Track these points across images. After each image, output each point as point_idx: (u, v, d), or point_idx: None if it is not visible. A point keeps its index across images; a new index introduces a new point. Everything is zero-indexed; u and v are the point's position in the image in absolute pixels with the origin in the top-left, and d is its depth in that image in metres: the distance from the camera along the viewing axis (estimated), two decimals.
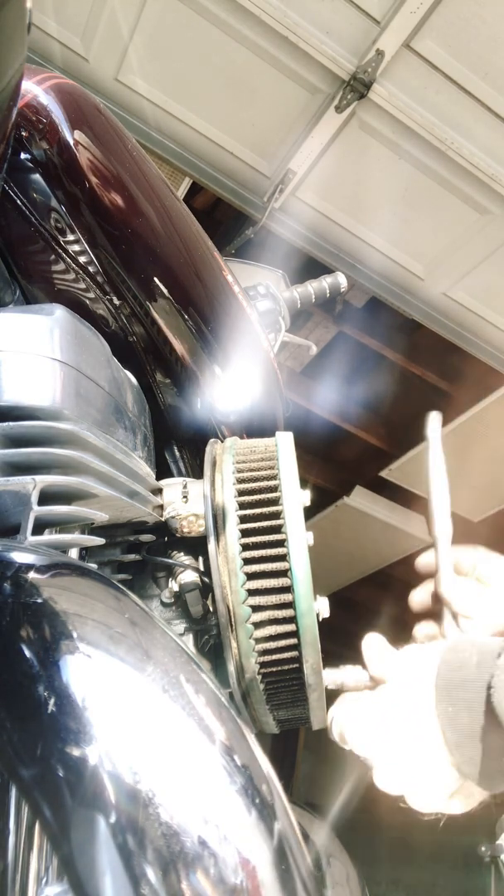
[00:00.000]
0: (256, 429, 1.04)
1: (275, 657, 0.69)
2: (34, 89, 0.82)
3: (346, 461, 4.46)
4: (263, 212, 2.79)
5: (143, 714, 0.41)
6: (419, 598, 0.73)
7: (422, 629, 0.73)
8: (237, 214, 3.02)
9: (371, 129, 2.54)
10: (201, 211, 3.45)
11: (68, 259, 0.83)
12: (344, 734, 0.63)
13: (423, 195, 2.69)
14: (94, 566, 0.57)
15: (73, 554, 0.66)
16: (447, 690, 0.58)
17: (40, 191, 0.80)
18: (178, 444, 0.99)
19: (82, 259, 0.83)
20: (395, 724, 0.60)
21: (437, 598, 0.72)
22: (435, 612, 0.71)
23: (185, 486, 0.80)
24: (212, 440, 0.83)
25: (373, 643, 0.69)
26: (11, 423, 0.57)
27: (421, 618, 0.74)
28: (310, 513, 0.72)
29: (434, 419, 0.74)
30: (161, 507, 0.78)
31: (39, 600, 0.45)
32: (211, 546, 0.70)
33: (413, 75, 2.37)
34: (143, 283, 0.85)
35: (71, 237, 0.82)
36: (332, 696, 0.72)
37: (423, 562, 0.73)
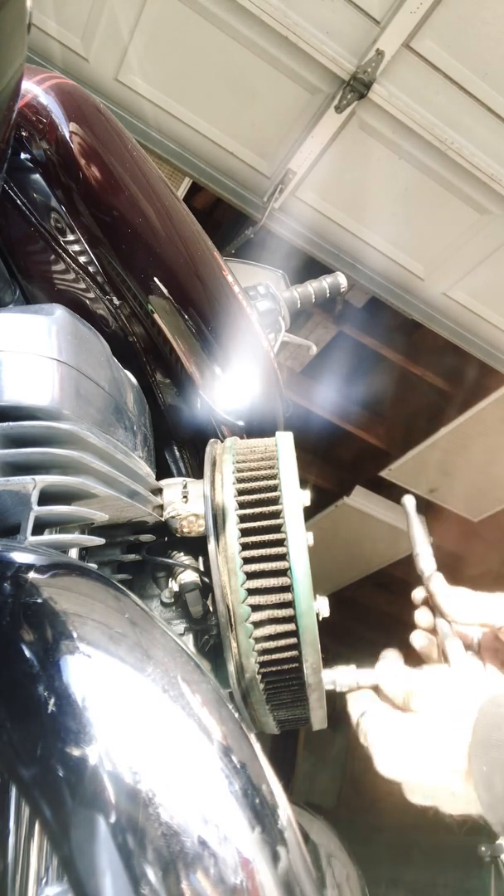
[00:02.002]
0: (257, 429, 1.04)
1: (275, 657, 0.69)
2: (34, 89, 0.82)
3: (346, 461, 4.46)
4: (263, 212, 2.79)
5: (143, 714, 0.41)
6: (422, 616, 0.75)
7: (417, 638, 0.74)
8: (237, 214, 3.02)
9: (371, 129, 2.54)
10: (201, 211, 3.45)
11: (68, 259, 0.83)
12: (372, 751, 0.63)
13: (423, 195, 2.69)
14: (94, 566, 0.57)
15: (73, 554, 0.66)
16: (484, 748, 0.57)
17: (40, 191, 0.80)
18: (178, 444, 0.99)
19: (82, 259, 0.83)
20: (429, 766, 0.60)
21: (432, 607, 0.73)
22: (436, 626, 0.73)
23: (185, 486, 0.80)
24: (212, 440, 0.83)
25: (390, 661, 0.70)
26: (11, 423, 0.57)
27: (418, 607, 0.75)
28: (310, 513, 0.72)
29: (409, 501, 0.83)
30: (161, 507, 0.78)
31: (39, 600, 0.45)
32: (211, 546, 0.70)
33: (413, 75, 2.37)
34: (143, 283, 0.85)
35: (71, 237, 0.82)
36: (331, 696, 0.72)
37: (417, 594, 0.76)
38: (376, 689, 0.71)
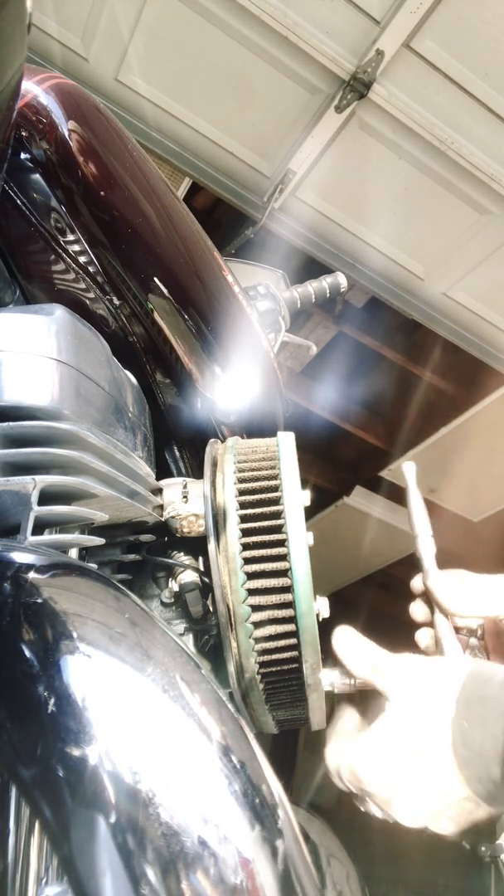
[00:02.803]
0: (256, 429, 1.04)
1: (274, 657, 0.69)
2: (34, 89, 0.82)
3: (346, 461, 4.46)
4: (263, 212, 2.79)
5: (143, 714, 0.41)
6: (418, 609, 0.74)
7: (422, 636, 0.73)
8: (237, 214, 3.02)
9: (371, 129, 2.54)
10: (201, 211, 3.45)
11: (68, 259, 0.83)
12: (360, 779, 0.62)
13: (423, 195, 2.69)
14: (94, 566, 0.57)
15: (73, 554, 0.66)
16: (466, 705, 0.57)
17: (40, 191, 0.80)
18: (178, 444, 0.99)
19: (82, 259, 0.83)
20: (409, 743, 0.59)
21: (429, 600, 0.72)
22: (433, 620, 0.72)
23: (185, 486, 0.80)
24: (212, 440, 0.83)
25: (349, 639, 0.68)
26: (11, 423, 0.57)
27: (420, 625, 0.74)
28: (310, 513, 0.72)
29: (409, 469, 0.79)
30: (161, 507, 0.78)
31: (39, 600, 0.45)
32: (211, 546, 0.70)
33: (413, 75, 2.37)
34: (143, 283, 0.85)
35: (71, 237, 0.82)
36: (330, 696, 0.72)
37: (416, 584, 0.75)
38: (367, 700, 0.70)
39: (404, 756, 0.59)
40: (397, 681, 0.63)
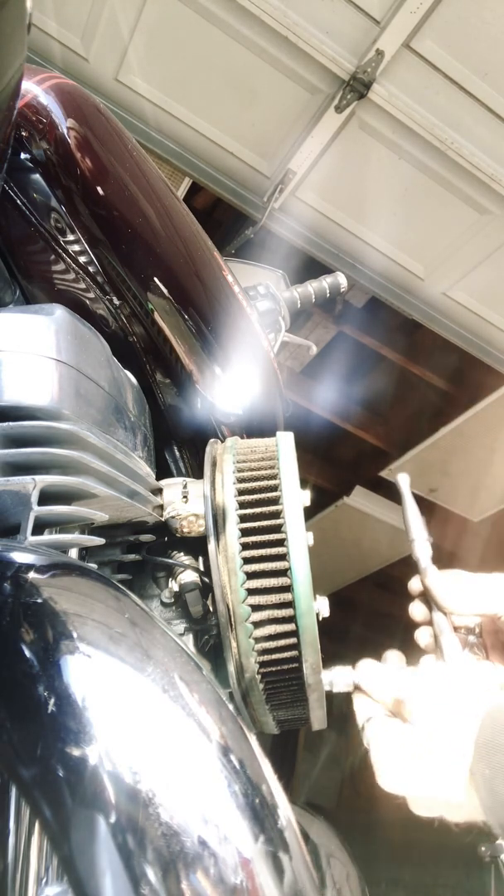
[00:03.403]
0: (256, 429, 1.04)
1: (274, 657, 0.69)
2: (34, 89, 0.82)
3: (346, 461, 4.46)
4: (263, 212, 2.79)
5: (143, 714, 0.41)
6: (417, 609, 0.75)
7: (422, 635, 0.73)
8: (237, 214, 3.02)
9: (371, 129, 2.54)
10: (201, 211, 3.45)
11: (68, 259, 0.83)
12: (375, 764, 0.63)
13: (423, 195, 2.69)
14: (94, 566, 0.57)
15: (73, 554, 0.66)
16: (487, 751, 0.57)
17: (40, 191, 0.80)
18: (178, 444, 0.99)
19: (82, 259, 0.83)
20: (431, 777, 0.59)
21: (429, 601, 0.73)
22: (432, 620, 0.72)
23: (185, 486, 0.80)
24: (212, 440, 0.83)
25: (370, 671, 0.69)
26: (11, 423, 0.57)
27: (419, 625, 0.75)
28: (310, 513, 0.72)
29: (403, 479, 0.81)
30: (161, 507, 0.78)
31: (39, 600, 0.45)
32: (211, 546, 0.70)
33: (413, 75, 2.37)
34: (143, 283, 0.85)
35: (71, 237, 0.82)
36: (330, 696, 0.72)
37: (414, 584, 0.75)
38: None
39: (426, 776, 0.59)
40: (418, 708, 0.63)
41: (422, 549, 0.75)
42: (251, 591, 0.68)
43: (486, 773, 0.56)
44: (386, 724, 0.64)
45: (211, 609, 0.76)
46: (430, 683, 0.64)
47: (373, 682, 0.68)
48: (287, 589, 0.68)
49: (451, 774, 0.58)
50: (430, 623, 0.73)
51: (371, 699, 0.68)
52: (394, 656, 0.71)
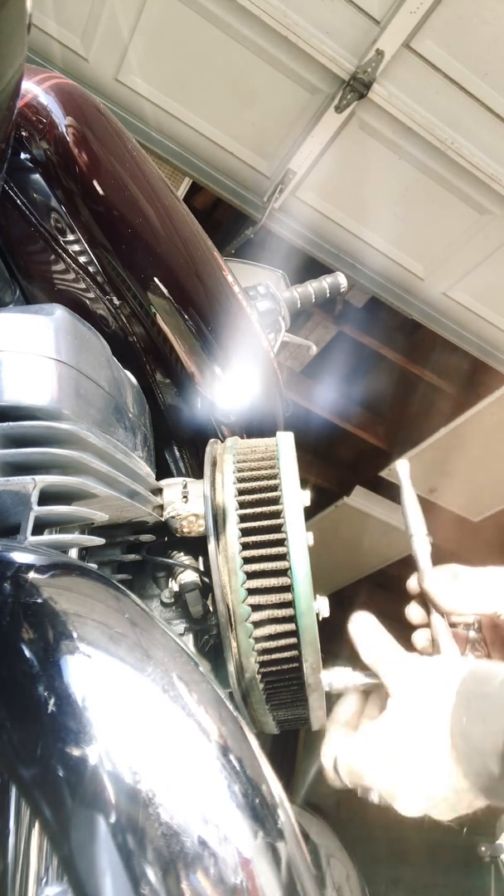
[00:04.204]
0: (256, 429, 1.04)
1: (274, 657, 0.69)
2: (34, 89, 0.82)
3: (346, 461, 4.46)
4: (263, 212, 2.79)
5: (143, 714, 0.41)
6: (415, 612, 0.75)
7: (419, 637, 0.74)
8: (237, 214, 3.02)
9: (371, 129, 2.54)
10: (201, 211, 3.44)
11: (68, 259, 0.83)
12: (357, 773, 0.63)
13: (423, 195, 2.69)
14: (94, 566, 0.57)
15: (73, 554, 0.66)
16: (467, 700, 0.58)
17: (40, 191, 0.80)
18: (178, 444, 0.99)
19: (82, 259, 0.83)
20: (409, 737, 0.60)
21: (426, 602, 0.73)
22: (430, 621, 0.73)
23: (185, 486, 0.80)
24: (212, 440, 0.83)
25: (366, 626, 0.69)
26: (11, 423, 0.57)
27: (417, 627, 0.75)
28: (310, 513, 0.72)
29: (402, 466, 0.79)
30: (161, 507, 0.78)
31: (39, 600, 0.45)
32: (211, 545, 0.70)
33: (413, 75, 2.37)
34: (143, 283, 0.85)
35: (71, 237, 0.82)
36: (330, 696, 0.72)
37: (411, 585, 0.75)
38: (368, 691, 0.71)
39: (404, 750, 0.60)
40: (400, 675, 0.64)
41: (420, 545, 0.75)
42: (251, 591, 0.69)
43: (463, 720, 0.57)
44: (360, 737, 0.65)
45: (211, 609, 0.76)
46: (419, 658, 0.66)
47: (366, 638, 0.68)
48: (287, 589, 0.68)
49: (430, 758, 0.58)
50: (427, 625, 0.73)
51: (341, 735, 0.68)
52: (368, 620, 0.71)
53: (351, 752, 0.64)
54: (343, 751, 0.65)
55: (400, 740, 0.61)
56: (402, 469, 0.79)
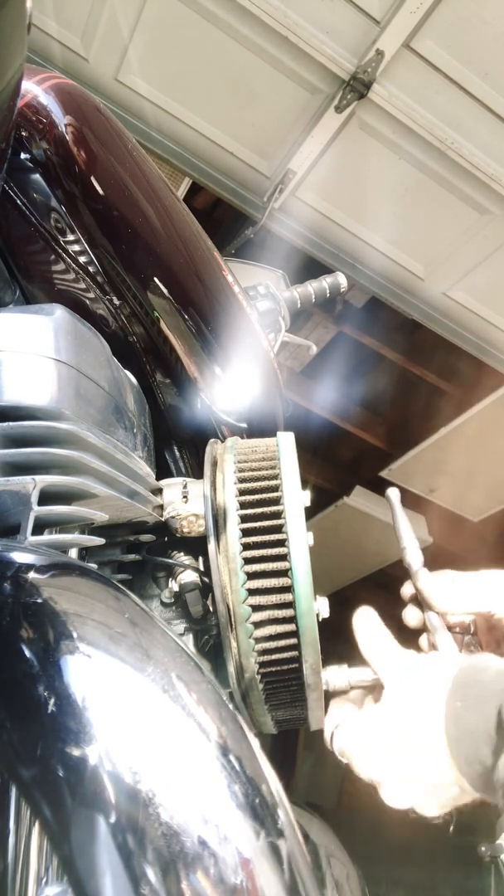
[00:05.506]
0: (256, 429, 1.04)
1: (274, 657, 0.69)
2: (34, 89, 0.82)
3: (346, 461, 4.46)
4: (263, 212, 2.79)
5: (143, 714, 0.41)
6: (411, 614, 0.75)
7: (410, 614, 0.74)
8: (237, 214, 3.02)
9: (371, 129, 2.54)
10: (201, 211, 3.44)
11: (68, 259, 0.83)
12: (348, 755, 0.64)
13: (423, 195, 2.69)
14: (94, 566, 0.57)
15: (73, 554, 0.66)
16: (463, 687, 0.58)
17: (40, 191, 0.80)
18: (178, 444, 0.99)
19: (82, 259, 0.83)
20: (401, 727, 0.60)
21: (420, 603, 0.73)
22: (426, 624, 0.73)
23: (185, 486, 0.80)
24: (212, 440, 0.83)
25: (368, 620, 0.69)
26: (11, 423, 0.57)
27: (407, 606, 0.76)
28: (310, 513, 0.72)
29: (394, 494, 0.84)
30: (161, 507, 0.78)
31: (39, 600, 0.45)
32: (211, 546, 0.70)
33: (413, 75, 2.37)
34: (143, 283, 0.85)
35: (71, 237, 0.82)
36: (329, 697, 0.72)
37: (406, 589, 0.76)
38: (367, 689, 0.71)
39: (396, 739, 0.60)
40: (396, 668, 0.64)
41: (413, 554, 0.76)
42: (251, 592, 0.68)
43: (458, 705, 0.57)
44: (358, 718, 0.66)
45: (211, 609, 0.76)
46: (416, 655, 0.66)
47: (366, 631, 0.69)
48: (287, 589, 0.68)
49: (426, 749, 0.59)
50: (424, 628, 0.73)
51: (350, 707, 0.69)
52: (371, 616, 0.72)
53: (344, 734, 0.65)
54: (339, 729, 0.66)
55: (392, 729, 0.61)
56: (393, 496, 0.84)
